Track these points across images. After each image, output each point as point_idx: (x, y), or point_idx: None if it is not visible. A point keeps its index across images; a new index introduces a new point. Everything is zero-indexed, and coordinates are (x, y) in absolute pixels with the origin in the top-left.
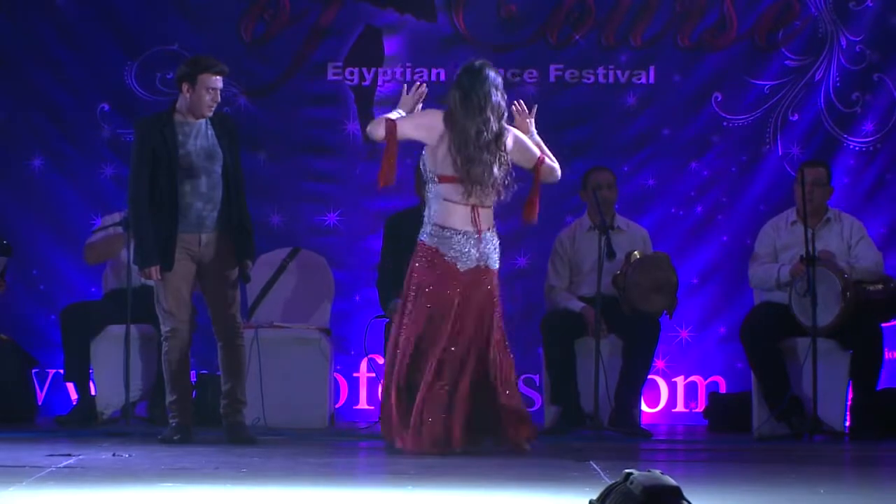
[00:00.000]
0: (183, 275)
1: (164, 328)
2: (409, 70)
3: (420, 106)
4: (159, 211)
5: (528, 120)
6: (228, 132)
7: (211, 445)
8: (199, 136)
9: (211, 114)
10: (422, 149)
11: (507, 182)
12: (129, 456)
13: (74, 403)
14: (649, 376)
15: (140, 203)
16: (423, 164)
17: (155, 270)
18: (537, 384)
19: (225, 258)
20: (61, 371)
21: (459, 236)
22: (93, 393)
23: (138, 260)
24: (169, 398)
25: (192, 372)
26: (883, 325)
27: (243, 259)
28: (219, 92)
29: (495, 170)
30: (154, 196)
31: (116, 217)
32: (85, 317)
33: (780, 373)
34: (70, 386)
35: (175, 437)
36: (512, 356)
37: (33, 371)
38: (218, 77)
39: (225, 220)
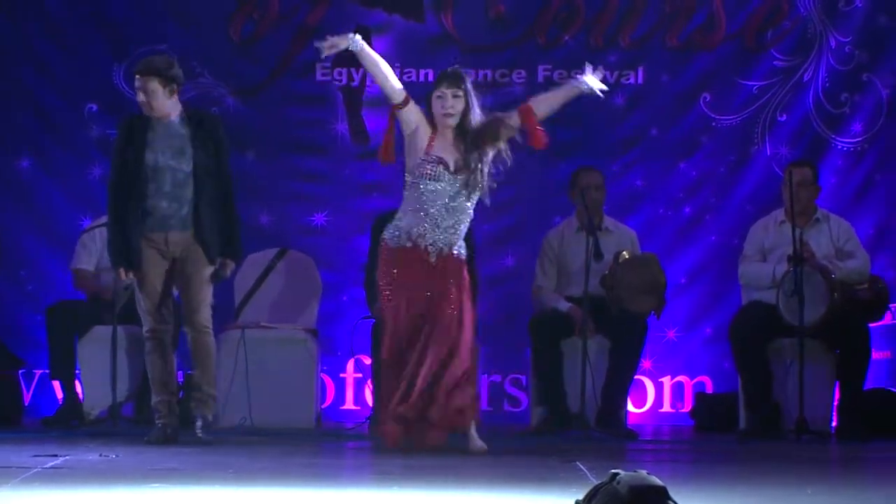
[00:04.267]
0: (157, 274)
1: (144, 328)
2: (397, 70)
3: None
4: (130, 211)
5: None
6: (206, 130)
7: (198, 446)
8: (167, 135)
9: (154, 113)
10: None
11: None
12: (116, 456)
13: (60, 403)
14: (636, 376)
15: (112, 204)
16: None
17: (122, 271)
18: (524, 384)
19: (194, 258)
20: (47, 370)
21: None
22: (79, 392)
23: (110, 260)
24: (153, 399)
25: (179, 373)
26: (870, 324)
27: (218, 258)
28: (142, 92)
29: None
30: (122, 196)
31: (103, 219)
32: (71, 315)
33: (763, 378)
34: (56, 384)
35: (160, 438)
36: None
37: (20, 372)
38: (139, 77)
39: (194, 219)
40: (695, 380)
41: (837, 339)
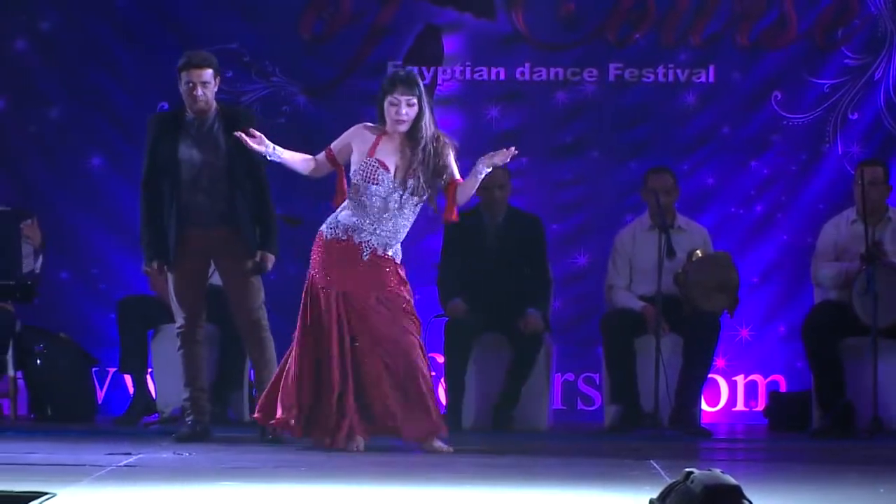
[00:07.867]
0: (188, 270)
1: (176, 324)
2: (468, 69)
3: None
4: (165, 207)
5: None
6: (238, 124)
7: (270, 444)
8: (201, 131)
9: (203, 107)
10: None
11: None
12: (189, 455)
13: (131, 398)
14: (709, 375)
15: (145, 199)
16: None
17: (156, 265)
18: (597, 383)
19: (235, 252)
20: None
21: None
22: (150, 389)
23: (144, 255)
24: (183, 395)
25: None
26: None
27: (260, 251)
28: (199, 86)
29: None
30: (155, 192)
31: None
32: (143, 309)
33: (836, 377)
34: (127, 379)
35: (187, 436)
36: None
37: (93, 370)
38: (190, 72)
39: (231, 214)
40: (768, 378)
41: None
